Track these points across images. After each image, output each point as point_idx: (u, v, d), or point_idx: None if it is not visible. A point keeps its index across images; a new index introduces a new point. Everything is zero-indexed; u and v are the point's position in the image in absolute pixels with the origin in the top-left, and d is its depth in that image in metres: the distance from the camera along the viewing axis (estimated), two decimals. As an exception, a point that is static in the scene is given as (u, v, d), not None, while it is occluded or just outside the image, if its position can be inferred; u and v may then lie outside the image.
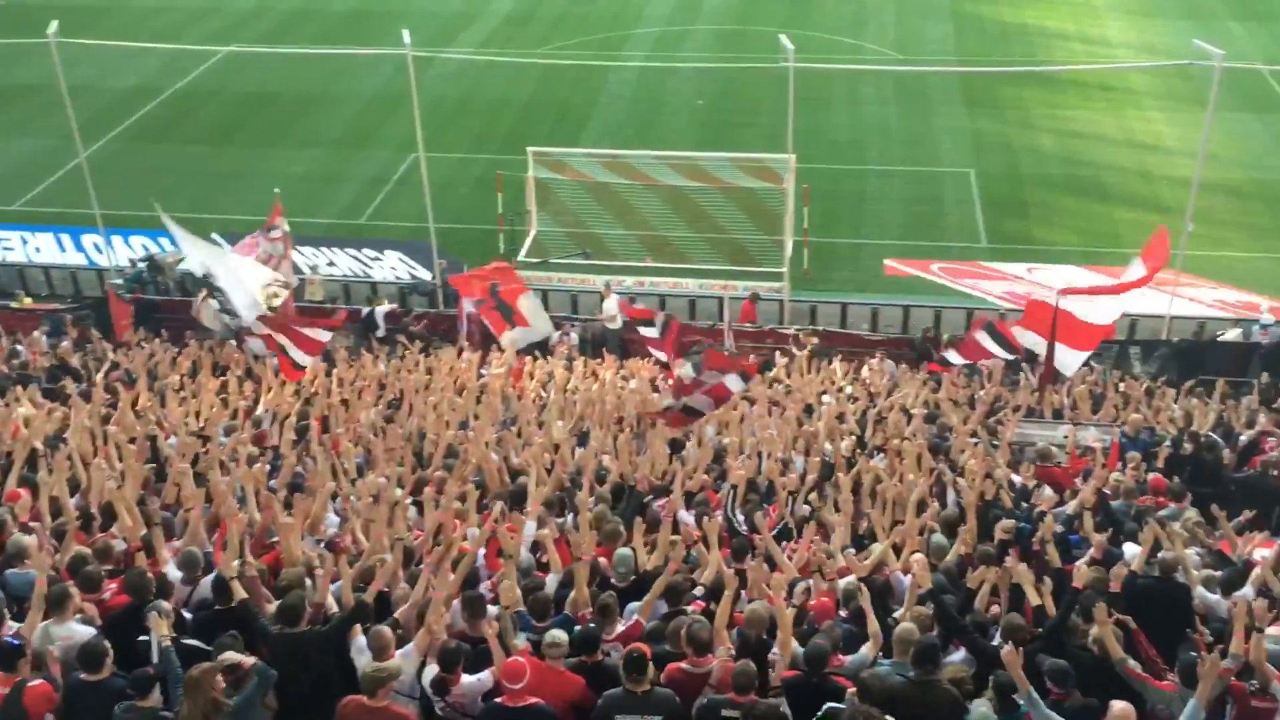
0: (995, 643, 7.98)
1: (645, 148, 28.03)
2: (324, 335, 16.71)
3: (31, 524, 9.80)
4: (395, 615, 8.31)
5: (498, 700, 7.36)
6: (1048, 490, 11.90)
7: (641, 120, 33.23)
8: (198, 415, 14.34)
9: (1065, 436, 14.07)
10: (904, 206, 28.48)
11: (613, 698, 7.44)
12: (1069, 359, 15.55)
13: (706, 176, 25.77)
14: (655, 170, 26.16)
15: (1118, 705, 7.04)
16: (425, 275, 24.19)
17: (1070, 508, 11.09)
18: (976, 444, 13.44)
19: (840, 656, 7.88)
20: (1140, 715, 7.27)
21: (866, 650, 7.96)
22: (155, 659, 7.73)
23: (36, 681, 7.53)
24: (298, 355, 16.25)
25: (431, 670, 7.72)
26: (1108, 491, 11.27)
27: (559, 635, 7.72)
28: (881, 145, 31.46)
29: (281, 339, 16.30)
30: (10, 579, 8.80)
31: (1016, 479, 12.30)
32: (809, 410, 15.40)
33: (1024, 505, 11.36)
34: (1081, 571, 8.59)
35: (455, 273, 22.49)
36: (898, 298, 23.27)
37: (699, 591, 8.85)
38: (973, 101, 33.53)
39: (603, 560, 9.30)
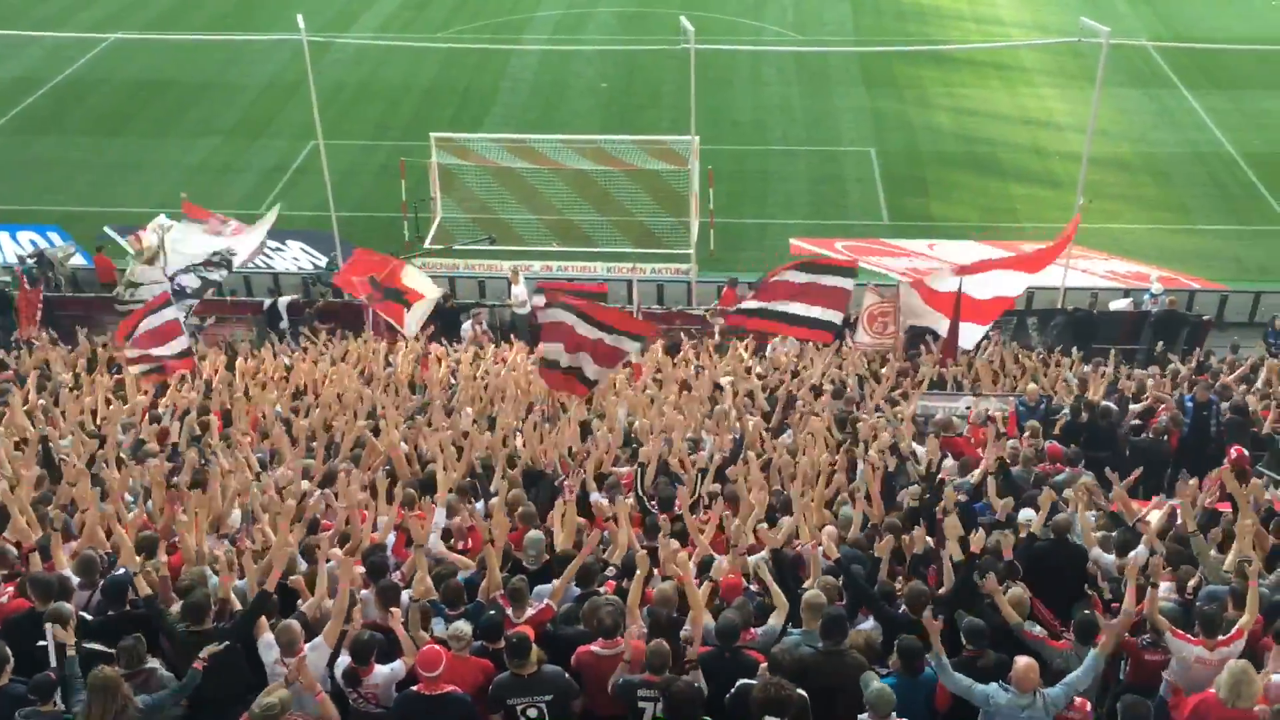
0: (901, 611, 8.17)
1: (549, 132, 27.92)
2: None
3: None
4: (302, 609, 8.19)
5: (413, 689, 7.32)
6: (950, 460, 12.18)
7: (545, 104, 33.07)
8: (93, 414, 13.93)
9: (967, 407, 14.41)
10: (808, 185, 28.80)
11: (501, 683, 7.46)
12: (969, 334, 15.93)
13: (611, 160, 25.78)
14: (560, 154, 26.10)
15: (1021, 661, 7.26)
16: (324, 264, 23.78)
17: (973, 476, 11.36)
18: (881, 417, 13.68)
19: (752, 630, 7.98)
20: (1044, 674, 7.52)
21: (774, 620, 8.08)
22: (54, 663, 7.53)
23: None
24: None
25: (344, 661, 7.64)
26: (1007, 459, 11.57)
27: (463, 628, 7.68)
28: (784, 125, 31.76)
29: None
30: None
31: (921, 450, 12.56)
32: (718, 389, 15.52)
33: (928, 475, 11.61)
34: (977, 537, 8.81)
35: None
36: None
37: (611, 572, 8.88)
38: (871, 81, 34.02)
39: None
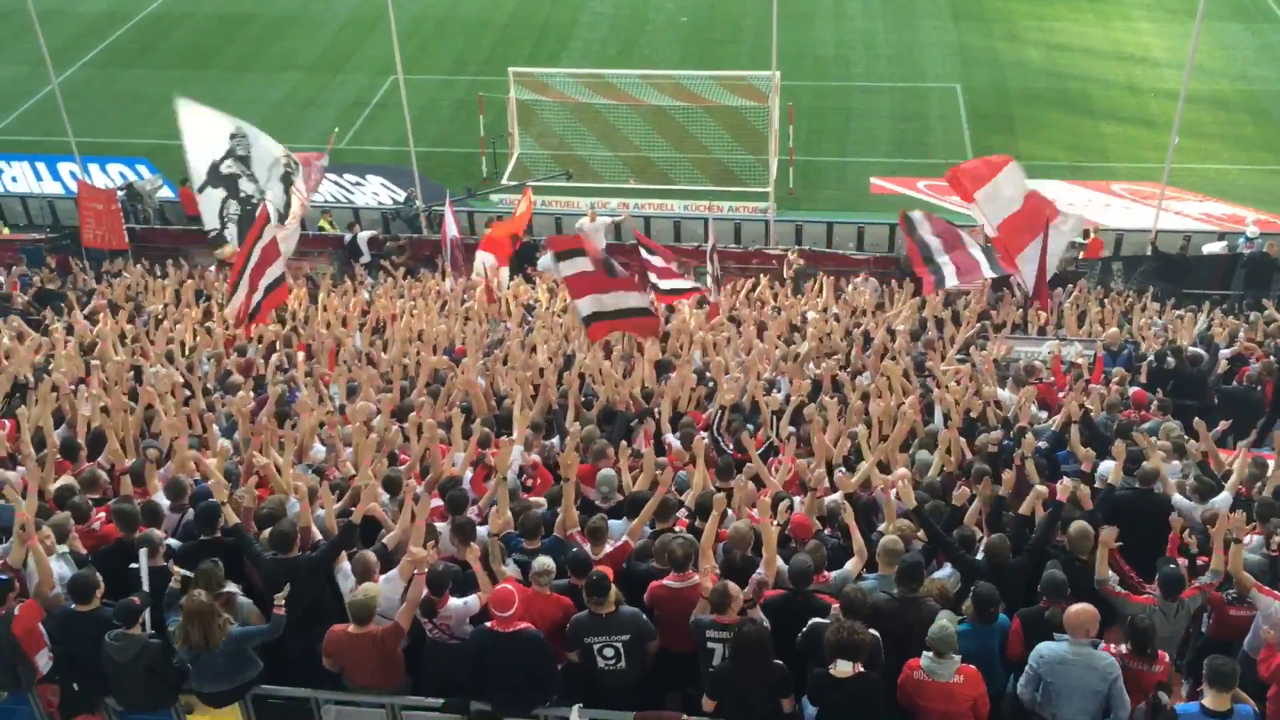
0: (979, 558, 8.08)
1: (628, 67, 27.65)
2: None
3: (21, 454, 9.81)
4: (382, 540, 8.35)
5: (487, 625, 7.44)
6: (1033, 406, 11.95)
7: (624, 39, 32.71)
8: (181, 344, 14.26)
9: (1050, 352, 14.11)
10: (890, 123, 28.21)
11: (580, 621, 7.54)
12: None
13: (690, 95, 25.48)
14: (638, 90, 25.85)
15: (1075, 606, 7.15)
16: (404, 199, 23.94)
17: (1055, 423, 11.15)
18: (962, 361, 13.46)
19: (825, 574, 7.97)
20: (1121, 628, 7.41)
21: (851, 566, 8.04)
22: (145, 587, 7.79)
23: (19, 606, 7.59)
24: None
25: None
26: (1091, 406, 11.33)
27: (547, 562, 7.78)
28: (867, 60, 31.08)
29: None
30: (-2, 512, 8.81)
31: (1004, 394, 12.35)
32: (794, 330, 15.40)
33: (1009, 421, 11.43)
34: (1064, 485, 8.68)
35: (433, 197, 22.34)
36: (884, 216, 23.13)
37: (683, 512, 8.91)
38: (959, 15, 33.08)
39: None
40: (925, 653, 7.00)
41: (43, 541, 7.90)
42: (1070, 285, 18.63)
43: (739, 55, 29.24)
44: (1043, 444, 10.38)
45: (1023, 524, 8.48)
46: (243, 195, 17.48)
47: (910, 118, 28.40)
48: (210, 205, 17.51)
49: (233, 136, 17.36)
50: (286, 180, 17.63)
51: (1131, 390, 12.42)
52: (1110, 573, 7.80)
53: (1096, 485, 9.23)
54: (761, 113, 24.09)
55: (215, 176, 17.36)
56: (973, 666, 7.04)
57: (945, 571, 8.16)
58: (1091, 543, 8.02)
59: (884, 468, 9.73)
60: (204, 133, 17.41)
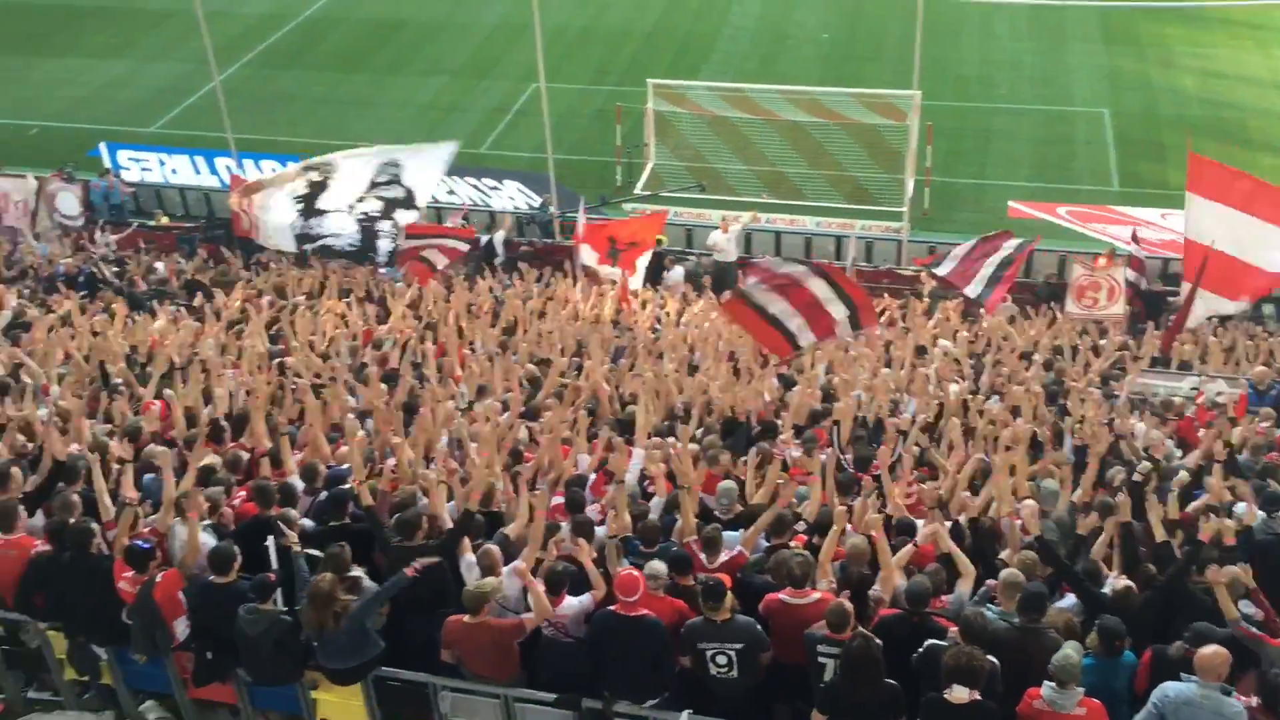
0: (1106, 591, 7.87)
1: (767, 82, 27.58)
2: (462, 245, 17.09)
3: (168, 434, 10.34)
4: (505, 532, 8.54)
5: (611, 608, 7.55)
6: (1168, 442, 11.57)
7: (764, 54, 32.68)
8: (322, 335, 14.81)
9: (1193, 388, 13.62)
10: (1032, 146, 27.55)
11: (694, 626, 7.58)
12: (1211, 305, 15.00)
13: (828, 112, 25.30)
14: (776, 105, 25.77)
15: (1208, 648, 6.88)
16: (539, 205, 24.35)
17: (1190, 460, 10.77)
18: (1097, 392, 13.10)
19: (944, 598, 7.87)
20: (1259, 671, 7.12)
21: (961, 587, 7.91)
22: (275, 565, 8.13)
23: (161, 574, 7.98)
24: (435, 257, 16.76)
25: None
26: (1234, 446, 10.90)
27: (659, 566, 7.85)
28: (1012, 82, 30.40)
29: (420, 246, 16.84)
30: (147, 484, 9.29)
31: (1142, 428, 11.98)
32: (922, 351, 15.19)
33: (1143, 456, 11.08)
34: (1209, 525, 8.38)
35: (568, 204, 22.66)
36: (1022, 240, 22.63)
37: (801, 526, 8.89)
38: (1112, 38, 32.13)
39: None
40: (1047, 682, 6.84)
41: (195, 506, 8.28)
42: (1217, 321, 17.92)
43: (880, 73, 28.92)
44: (1185, 478, 10.03)
45: (1160, 559, 8.22)
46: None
47: (1054, 141, 27.68)
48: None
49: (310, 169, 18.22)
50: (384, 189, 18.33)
51: (1278, 434, 11.90)
52: (1242, 611, 7.51)
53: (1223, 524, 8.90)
54: (900, 131, 23.80)
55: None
56: (1097, 701, 6.85)
57: (1068, 602, 7.96)
58: (1242, 588, 7.74)
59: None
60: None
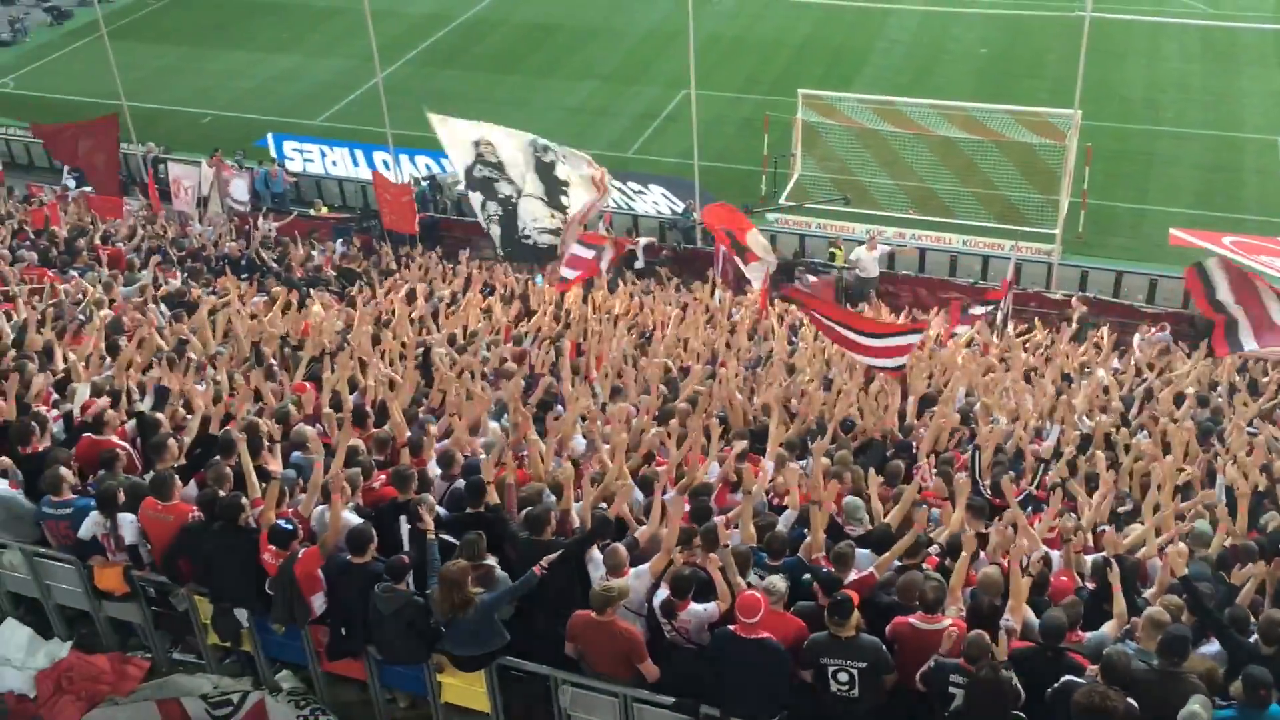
0: (1253, 640, 7.51)
1: (920, 96, 27.15)
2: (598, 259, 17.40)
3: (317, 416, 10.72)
4: (634, 536, 8.60)
5: (730, 629, 7.54)
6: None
7: (919, 67, 32.19)
8: (464, 329, 15.16)
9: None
10: (1198, 173, 26.47)
11: (818, 641, 7.49)
12: None
13: (981, 129, 24.79)
14: (928, 119, 25.37)
15: None
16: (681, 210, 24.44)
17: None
18: (1255, 433, 12.50)
19: (1079, 632, 7.62)
20: None
21: (1108, 629, 7.65)
22: (407, 546, 8.34)
23: (303, 550, 8.29)
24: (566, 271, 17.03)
25: (662, 593, 7.96)
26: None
27: (778, 583, 7.78)
28: (1179, 105, 29.30)
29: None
30: (295, 463, 9.65)
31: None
32: (1068, 380, 14.73)
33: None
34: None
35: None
36: (1181, 270, 21.72)
37: (934, 549, 8.72)
38: (1289, 62, 30.70)
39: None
40: None
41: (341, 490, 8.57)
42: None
43: (1038, 91, 28.20)
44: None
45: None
46: (501, 197, 18.50)
47: (1221, 168, 26.55)
48: (474, 207, 18.77)
49: (477, 144, 18.38)
50: (545, 168, 18.43)
51: None
52: None
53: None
54: (1057, 151, 23.15)
55: (472, 181, 18.51)
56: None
57: (1213, 649, 7.62)
58: None
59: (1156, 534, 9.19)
60: (456, 142, 18.63)
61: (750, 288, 18.72)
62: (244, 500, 8.63)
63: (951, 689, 7.17)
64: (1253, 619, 7.96)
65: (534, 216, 18.24)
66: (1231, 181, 26.07)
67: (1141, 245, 23.73)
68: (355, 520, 8.56)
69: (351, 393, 11.43)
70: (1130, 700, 6.62)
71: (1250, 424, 13.18)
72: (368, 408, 10.97)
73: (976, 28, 33.96)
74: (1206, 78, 30.51)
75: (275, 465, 9.38)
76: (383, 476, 9.48)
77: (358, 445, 9.73)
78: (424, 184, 25.06)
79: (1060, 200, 22.63)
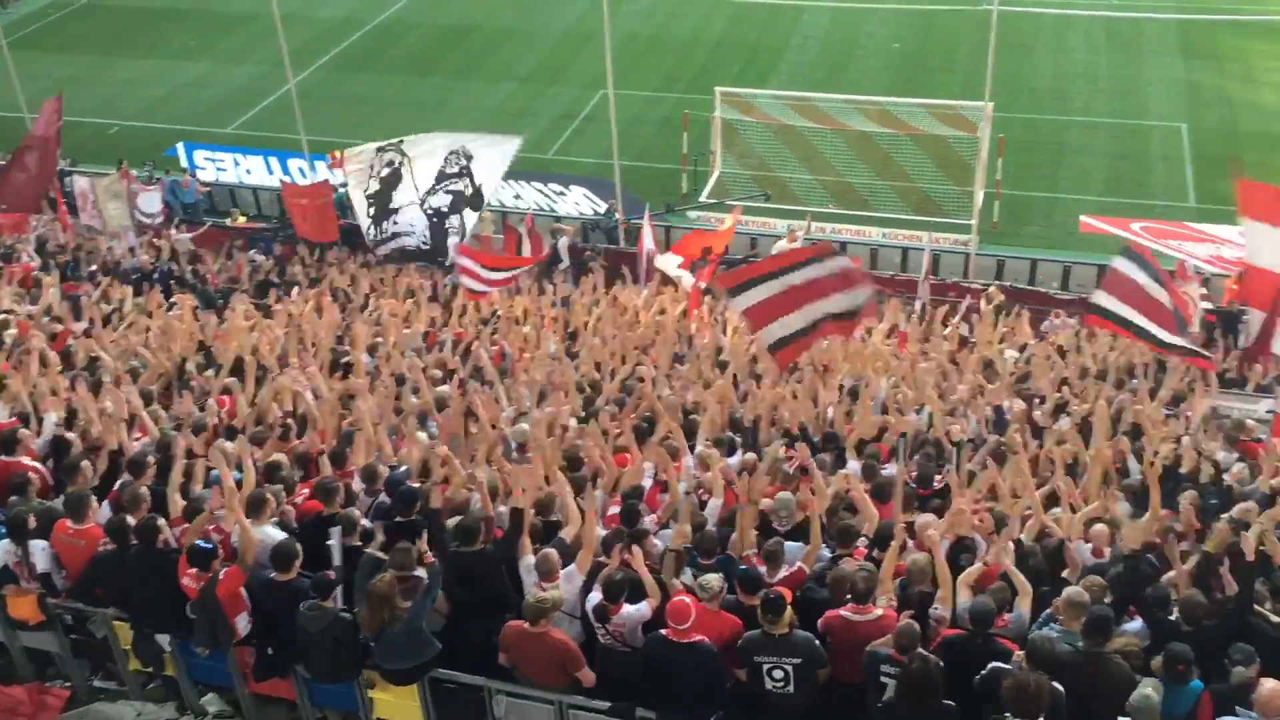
0: (1173, 617, 7.69)
1: (835, 91, 27.43)
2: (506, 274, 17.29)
3: (234, 431, 10.50)
4: (561, 535, 8.56)
5: (662, 633, 7.51)
6: (1241, 465, 11.28)
7: (833, 63, 32.51)
8: (385, 337, 14.94)
9: (1269, 411, 13.27)
10: (1106, 160, 27.09)
11: (752, 639, 7.51)
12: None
13: (897, 123, 25.11)
14: (844, 114, 25.62)
15: (1268, 684, 6.68)
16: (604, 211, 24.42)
17: (1262, 484, 10.49)
18: (1167, 414, 12.83)
19: (1005, 616, 7.73)
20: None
21: (1021, 606, 7.78)
22: (337, 561, 8.21)
23: (224, 571, 8.10)
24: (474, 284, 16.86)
25: (595, 597, 7.93)
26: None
27: (713, 581, 7.78)
28: (1087, 95, 29.94)
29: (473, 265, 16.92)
30: (214, 480, 9.43)
31: (1221, 454, 11.70)
32: (988, 366, 14.97)
33: (1218, 480, 10.83)
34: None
35: (633, 211, 22.70)
36: (1093, 256, 22.21)
37: (862, 542, 8.79)
38: (1191, 52, 31.52)
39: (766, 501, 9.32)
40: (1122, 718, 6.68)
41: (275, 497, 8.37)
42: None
43: (950, 84, 28.65)
44: (1251, 505, 9.77)
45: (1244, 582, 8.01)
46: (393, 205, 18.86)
47: (1129, 156, 27.19)
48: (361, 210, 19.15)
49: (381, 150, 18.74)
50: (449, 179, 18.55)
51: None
52: None
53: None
54: (970, 143, 23.54)
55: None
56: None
57: (1135, 626, 7.79)
58: None
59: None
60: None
61: (680, 284, 18.74)
62: (161, 521, 8.41)
63: (884, 678, 7.23)
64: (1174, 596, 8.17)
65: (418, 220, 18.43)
66: (1139, 169, 26.72)
67: (1054, 233, 24.22)
68: (279, 536, 8.40)
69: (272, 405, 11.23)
70: (1056, 685, 6.72)
71: (1164, 405, 13.51)
72: (289, 420, 10.78)
73: (889, 23, 34.40)
74: (1112, 68, 31.23)
75: (200, 485, 9.16)
76: (306, 489, 9.32)
77: (280, 460, 9.56)
78: (341, 190, 24.66)
79: (975, 191, 23.01)
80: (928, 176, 25.11)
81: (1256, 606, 7.80)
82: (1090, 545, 8.81)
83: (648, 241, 19.85)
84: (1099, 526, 8.97)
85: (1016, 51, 29.80)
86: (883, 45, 33.53)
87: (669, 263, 18.51)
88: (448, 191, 18.99)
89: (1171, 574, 8.46)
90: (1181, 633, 7.51)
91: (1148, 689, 6.76)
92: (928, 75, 30.75)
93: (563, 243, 22.45)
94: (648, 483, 9.95)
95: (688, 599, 7.55)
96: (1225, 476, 10.91)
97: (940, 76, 30.27)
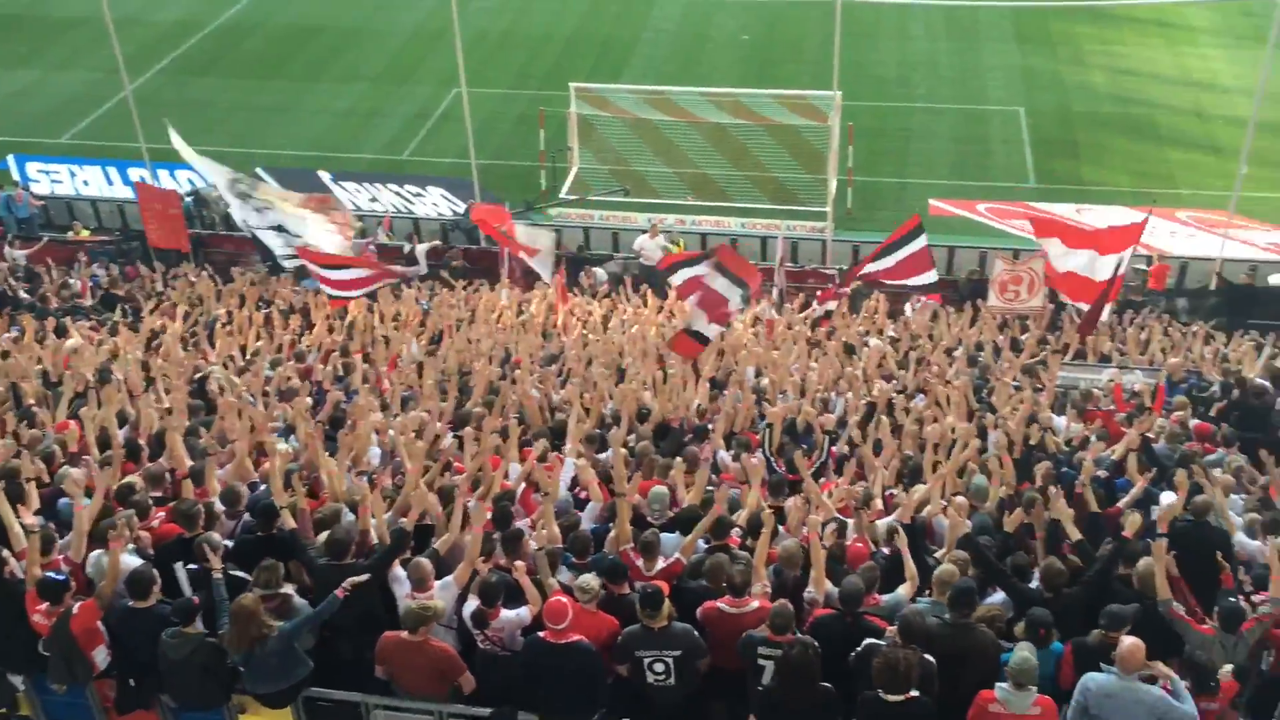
0: (1034, 585, 7.98)
1: (689, 84, 27.72)
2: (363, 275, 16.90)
3: (82, 456, 10.02)
4: (434, 546, 8.42)
5: (540, 635, 7.46)
6: (1089, 434, 11.80)
7: (685, 56, 32.82)
8: (243, 349, 14.50)
9: (1110, 380, 13.91)
10: (951, 145, 28.03)
11: (631, 634, 7.53)
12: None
13: (750, 114, 25.50)
14: (698, 107, 25.92)
15: (1127, 641, 7.00)
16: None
17: (1115, 451, 10.99)
18: (1018, 387, 13.33)
19: (876, 596, 7.91)
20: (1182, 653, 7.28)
21: (903, 591, 7.98)
22: (187, 590, 7.90)
23: (78, 605, 7.73)
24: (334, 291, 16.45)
25: (472, 603, 7.82)
26: (1151, 435, 11.16)
27: (590, 581, 7.77)
28: (929, 82, 30.92)
29: (323, 270, 16.46)
30: (61, 509, 8.98)
31: (1060, 422, 12.20)
32: (850, 350, 15.33)
33: (1067, 449, 11.30)
34: (1133, 520, 8.54)
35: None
36: (943, 238, 22.91)
37: (736, 531, 8.89)
38: (1024, 37, 32.82)
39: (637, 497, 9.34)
40: (1000, 684, 6.89)
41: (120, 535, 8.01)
42: (1133, 312, 18.40)
43: (800, 74, 29.21)
44: (1102, 473, 10.23)
45: (1083, 554, 8.37)
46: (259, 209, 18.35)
47: (971, 140, 28.19)
48: (240, 218, 18.68)
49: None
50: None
51: (1194, 423, 12.20)
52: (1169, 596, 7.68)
53: (1153, 518, 9.09)
54: (821, 132, 24.04)
55: (237, 191, 18.19)
56: (1049, 698, 6.92)
57: (998, 597, 8.07)
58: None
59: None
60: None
61: (541, 282, 18.66)
62: (4, 553, 7.97)
63: (761, 661, 7.32)
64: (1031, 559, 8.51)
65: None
66: (981, 152, 27.70)
67: (906, 217, 24.60)
68: (135, 563, 8.05)
69: (122, 427, 10.77)
70: (927, 656, 6.92)
71: (1015, 378, 14.03)
72: (141, 441, 10.34)
73: (738, 15, 34.87)
74: (952, 55, 32.30)
75: (29, 516, 8.66)
76: (161, 513, 8.95)
77: (133, 482, 9.16)
78: (188, 200, 23.81)
79: (828, 179, 23.52)
80: (782, 166, 25.56)
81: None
82: (950, 520, 9.06)
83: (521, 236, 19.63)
84: (959, 499, 9.24)
85: (861, 41, 30.55)
86: (733, 37, 33.99)
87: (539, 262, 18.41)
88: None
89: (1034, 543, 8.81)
90: (1042, 599, 7.80)
91: (1024, 651, 7.00)
92: (777, 66, 31.30)
93: (420, 247, 22.16)
94: (520, 486, 9.86)
95: (564, 599, 7.51)
96: (1073, 445, 11.39)
97: (789, 67, 30.83)
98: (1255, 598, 8.20)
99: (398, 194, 25.29)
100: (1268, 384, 13.66)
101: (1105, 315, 16.01)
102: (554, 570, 8.14)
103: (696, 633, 7.62)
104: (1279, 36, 18.90)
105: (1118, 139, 28.03)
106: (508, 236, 18.50)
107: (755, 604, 7.65)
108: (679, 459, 9.83)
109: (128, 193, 25.51)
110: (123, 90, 23.40)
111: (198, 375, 12.82)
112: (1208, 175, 25.36)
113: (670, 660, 7.46)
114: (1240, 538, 9.15)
